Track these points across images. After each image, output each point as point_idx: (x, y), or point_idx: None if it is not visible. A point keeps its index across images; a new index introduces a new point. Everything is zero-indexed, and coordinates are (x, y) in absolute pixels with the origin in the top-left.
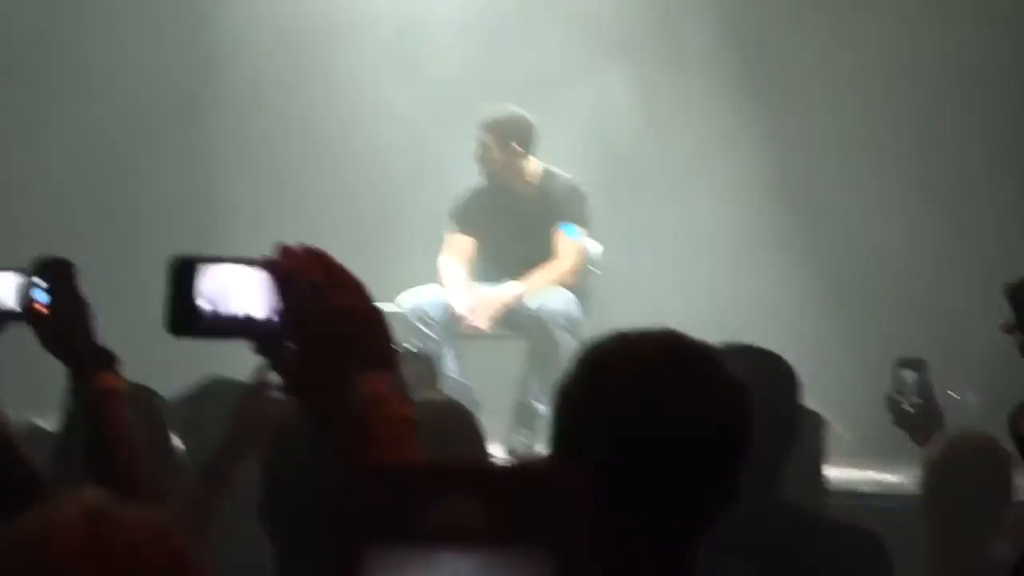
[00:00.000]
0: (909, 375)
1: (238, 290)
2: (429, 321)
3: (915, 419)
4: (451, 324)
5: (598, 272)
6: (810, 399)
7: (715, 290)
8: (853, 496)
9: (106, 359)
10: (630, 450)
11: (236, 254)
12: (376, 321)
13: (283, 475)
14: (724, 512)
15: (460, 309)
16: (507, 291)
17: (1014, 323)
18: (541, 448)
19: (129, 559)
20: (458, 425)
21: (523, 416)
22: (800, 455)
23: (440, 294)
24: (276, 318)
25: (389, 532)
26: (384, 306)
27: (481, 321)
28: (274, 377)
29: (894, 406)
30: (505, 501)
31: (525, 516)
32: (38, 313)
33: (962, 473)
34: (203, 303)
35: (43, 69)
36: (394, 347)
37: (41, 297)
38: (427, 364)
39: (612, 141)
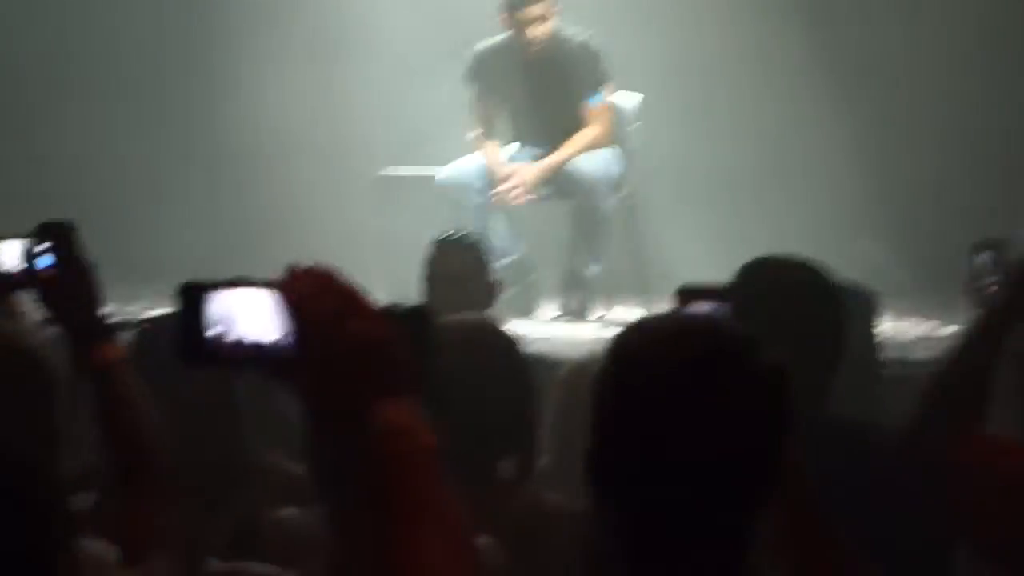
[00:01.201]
0: (987, 257)
1: (248, 315)
2: (470, 190)
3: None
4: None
5: (637, 123)
6: (868, 236)
7: (760, 132)
8: (907, 365)
9: (106, 329)
10: (664, 452)
11: (244, 274)
12: (392, 345)
13: None
14: (770, 496)
15: (498, 184)
16: (543, 163)
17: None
18: (592, 311)
19: None
20: (492, 345)
21: (574, 280)
22: (852, 343)
23: (479, 163)
24: (288, 343)
25: None
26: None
27: (520, 195)
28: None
29: (975, 293)
30: None
31: None
32: (41, 279)
33: None
34: (213, 330)
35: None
36: (411, 370)
37: (45, 262)
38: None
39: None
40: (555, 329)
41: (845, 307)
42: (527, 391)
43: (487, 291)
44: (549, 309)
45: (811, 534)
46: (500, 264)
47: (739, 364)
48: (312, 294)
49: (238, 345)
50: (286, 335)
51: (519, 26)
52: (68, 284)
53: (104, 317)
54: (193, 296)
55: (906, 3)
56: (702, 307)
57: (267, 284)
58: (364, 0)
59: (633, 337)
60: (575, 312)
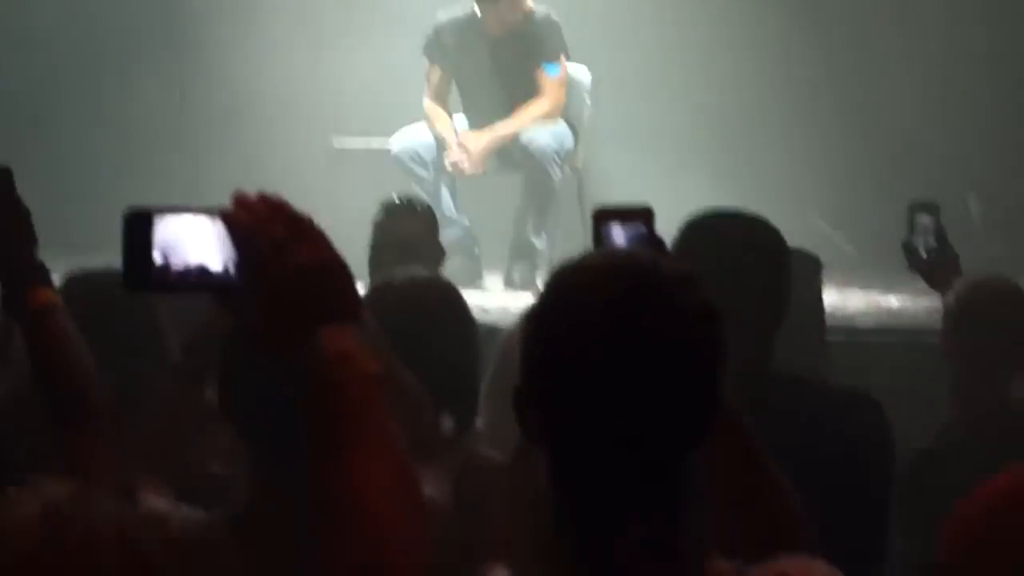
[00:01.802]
0: (924, 219)
1: (195, 241)
2: (421, 161)
3: (930, 263)
4: (443, 164)
5: (588, 102)
6: (814, 213)
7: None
8: (852, 332)
9: (40, 274)
10: (598, 387)
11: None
12: (339, 272)
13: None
14: (710, 422)
15: (449, 154)
16: (494, 132)
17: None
18: (538, 281)
19: (86, 561)
20: (442, 303)
21: (520, 251)
22: (796, 304)
23: (430, 134)
24: (235, 269)
25: None
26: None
27: (471, 165)
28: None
29: (910, 250)
30: None
31: None
32: None
33: (982, 316)
34: (158, 256)
35: None
36: (358, 297)
37: None
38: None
39: None
40: (500, 299)
41: (790, 263)
42: (471, 348)
43: (434, 255)
44: (494, 280)
45: (748, 474)
46: (446, 235)
47: (669, 299)
48: (260, 220)
49: (185, 271)
50: (233, 261)
51: (494, 10)
52: (2, 227)
53: (39, 261)
54: (139, 222)
55: None
56: (619, 230)
57: (214, 211)
58: None
59: (561, 276)
60: (521, 283)
